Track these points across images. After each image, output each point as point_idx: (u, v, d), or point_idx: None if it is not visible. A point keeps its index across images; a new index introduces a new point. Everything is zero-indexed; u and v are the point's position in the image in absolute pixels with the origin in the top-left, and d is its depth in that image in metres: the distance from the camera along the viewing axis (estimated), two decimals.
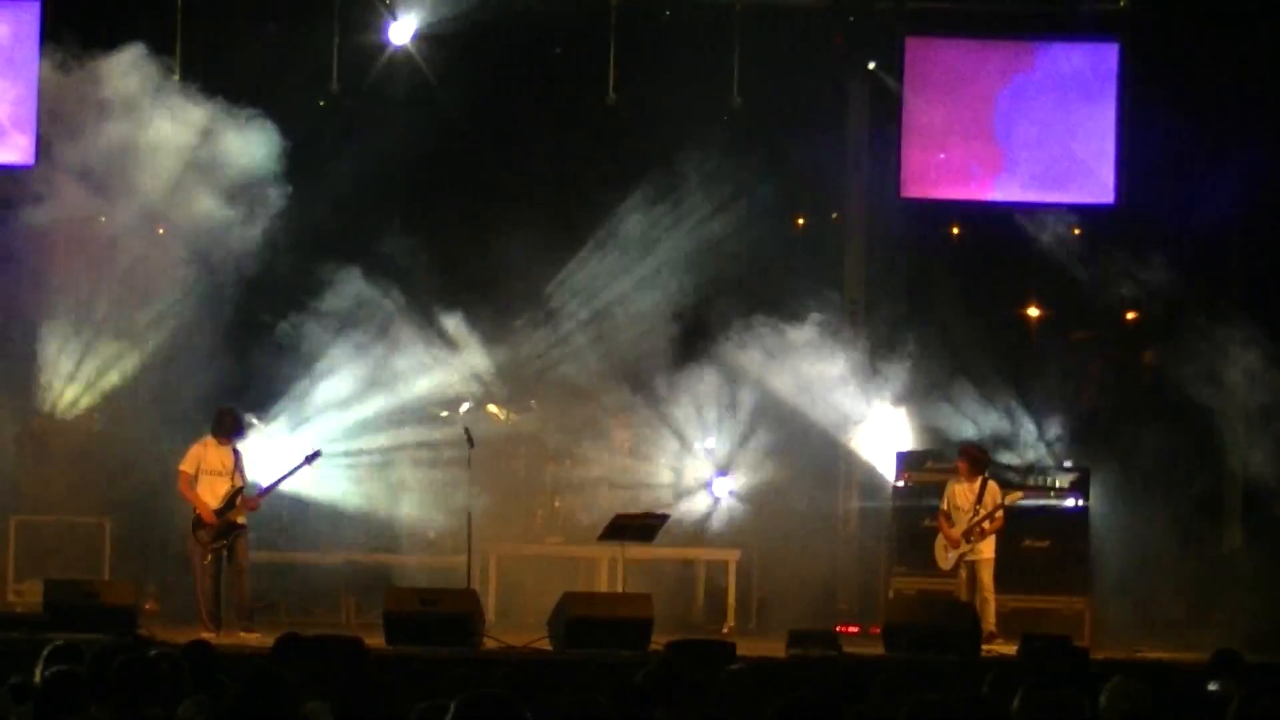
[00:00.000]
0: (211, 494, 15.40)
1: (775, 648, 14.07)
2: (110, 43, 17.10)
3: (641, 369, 17.97)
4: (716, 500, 17.86)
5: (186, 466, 15.46)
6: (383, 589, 15.93)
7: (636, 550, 15.67)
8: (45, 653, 8.05)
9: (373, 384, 17.83)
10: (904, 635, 14.38)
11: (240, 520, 15.49)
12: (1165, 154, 17.77)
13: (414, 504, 17.94)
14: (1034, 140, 18.47)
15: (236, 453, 15.65)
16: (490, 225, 18.16)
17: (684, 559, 17.48)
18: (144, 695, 7.09)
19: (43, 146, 17.56)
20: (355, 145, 17.98)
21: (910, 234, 18.59)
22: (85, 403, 17.79)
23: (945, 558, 16.18)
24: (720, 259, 18.32)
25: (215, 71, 17.52)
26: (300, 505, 17.67)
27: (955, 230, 19.05)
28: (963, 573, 16.03)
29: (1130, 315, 19.35)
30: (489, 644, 14.15)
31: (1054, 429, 18.56)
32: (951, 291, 18.34)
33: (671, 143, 18.29)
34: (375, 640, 13.53)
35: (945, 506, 16.21)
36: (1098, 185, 18.40)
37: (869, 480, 18.28)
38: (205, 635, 13.54)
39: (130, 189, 17.11)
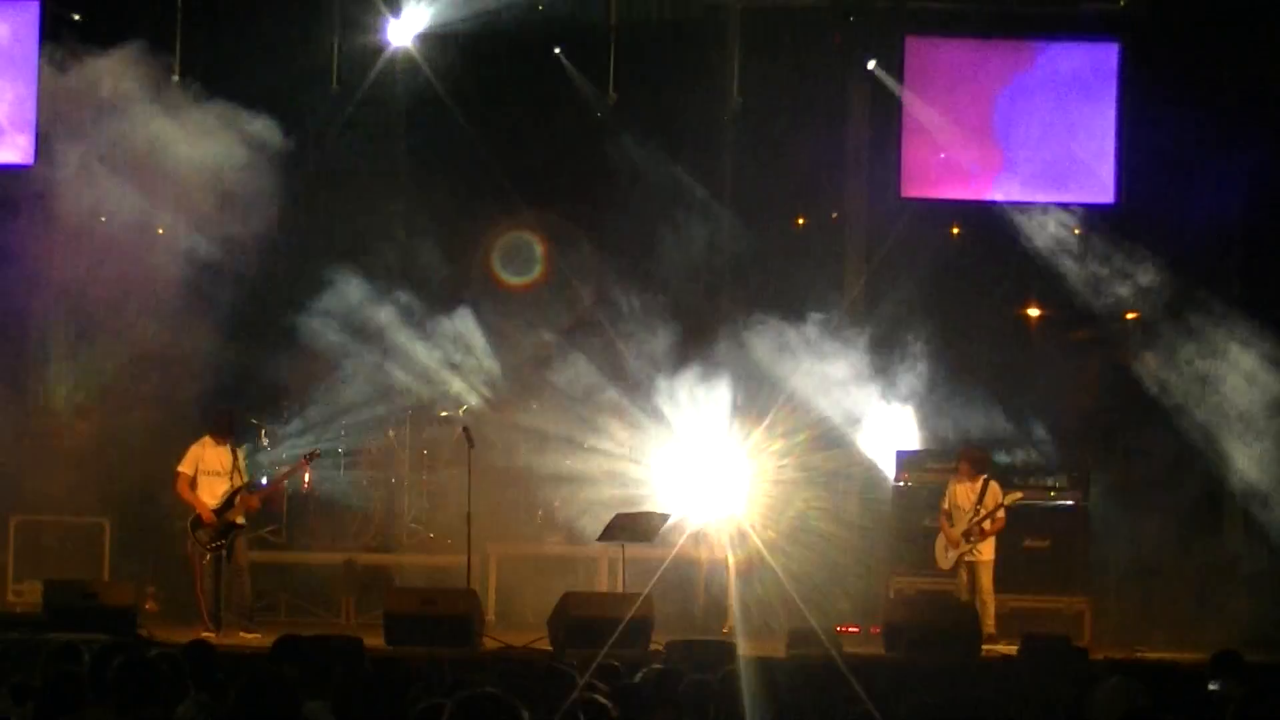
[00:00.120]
0: (211, 494, 15.40)
1: (775, 648, 14.06)
2: (110, 42, 17.10)
3: (642, 369, 17.96)
4: (717, 500, 17.84)
5: (185, 468, 15.46)
6: (383, 589, 15.94)
7: (636, 550, 15.66)
8: (45, 653, 8.06)
9: (373, 384, 17.83)
10: (904, 635, 14.38)
11: (239, 520, 15.49)
12: (1165, 154, 17.78)
13: (414, 504, 17.95)
14: (1034, 140, 18.48)
15: (235, 452, 15.65)
16: (490, 225, 18.17)
17: (684, 559, 17.46)
18: (144, 695, 7.09)
19: (42, 146, 17.57)
20: (355, 145, 17.99)
21: (910, 234, 18.58)
22: (85, 402, 17.80)
23: (945, 558, 16.19)
24: (720, 259, 18.32)
25: (215, 71, 17.52)
26: (300, 505, 17.70)
27: (955, 230, 19.05)
28: (963, 574, 16.04)
29: (1130, 315, 19.35)
30: (489, 644, 14.15)
31: (1054, 429, 18.57)
32: (951, 291, 18.33)
33: (672, 143, 18.31)
34: (375, 640, 13.52)
35: (946, 506, 16.22)
36: (1098, 185, 18.41)
37: (869, 480, 18.27)
38: (205, 635, 13.54)
39: (130, 188, 17.10)
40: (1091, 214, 18.63)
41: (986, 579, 15.91)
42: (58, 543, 17.03)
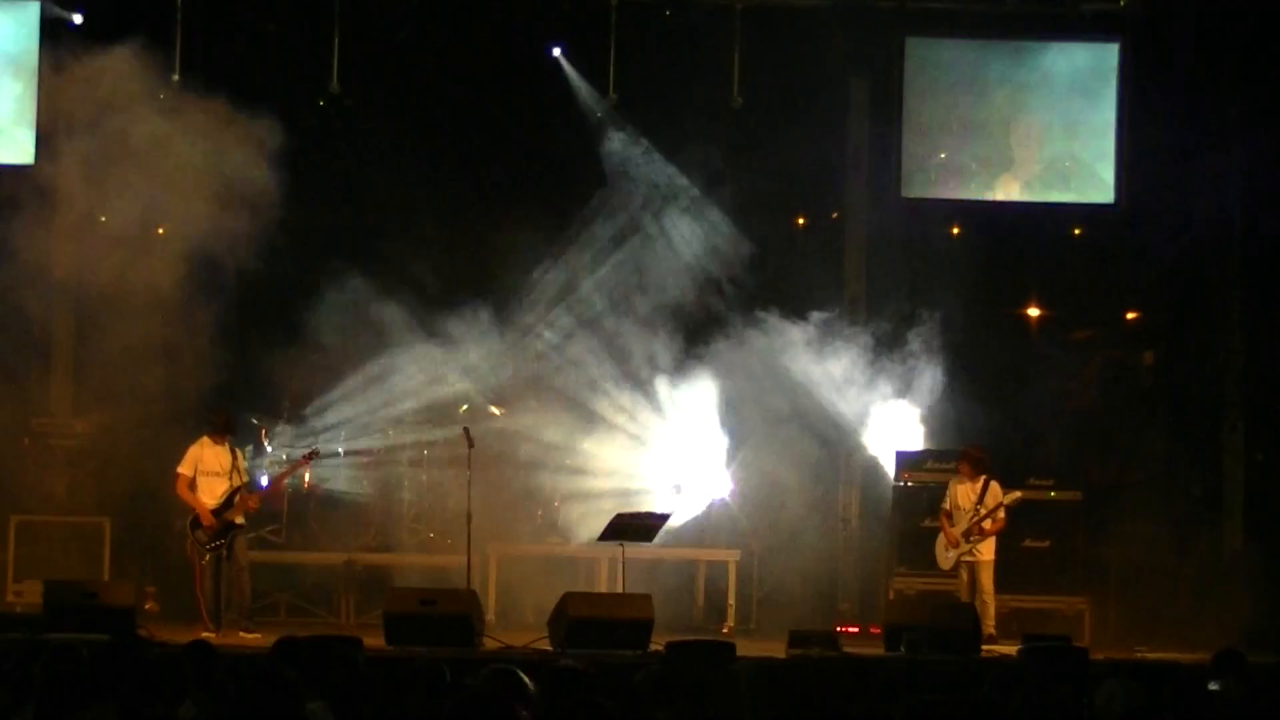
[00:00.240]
0: (210, 494, 15.39)
1: (775, 648, 14.06)
2: (110, 42, 17.09)
3: (642, 368, 17.96)
4: (717, 500, 17.85)
5: (184, 469, 15.45)
6: (383, 589, 15.93)
7: (636, 550, 15.66)
8: (45, 653, 8.05)
9: (372, 383, 17.83)
10: (904, 635, 14.37)
11: (239, 520, 15.48)
12: (1166, 154, 17.79)
13: (413, 504, 17.95)
14: (1034, 140, 18.48)
15: (234, 452, 15.64)
16: (490, 225, 18.17)
17: (684, 559, 17.47)
18: (144, 695, 7.09)
19: (43, 145, 17.57)
20: (355, 145, 17.99)
21: (910, 234, 18.58)
22: (85, 402, 17.80)
23: (945, 557, 16.19)
24: (720, 259, 18.32)
25: (215, 71, 17.51)
26: (300, 504, 17.70)
27: (955, 230, 19.05)
28: (963, 575, 16.04)
29: (1130, 315, 19.36)
30: (489, 644, 14.14)
31: (1054, 429, 18.57)
32: (951, 291, 18.33)
33: (671, 142, 18.31)
34: (375, 640, 13.52)
35: (947, 506, 16.23)
36: (1098, 185, 18.41)
37: (869, 480, 18.28)
38: (205, 635, 13.54)
39: (130, 188, 17.09)
40: (1091, 214, 18.63)
41: (987, 579, 15.91)
42: (58, 543, 17.02)
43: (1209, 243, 18.40)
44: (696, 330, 18.20)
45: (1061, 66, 18.39)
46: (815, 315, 17.96)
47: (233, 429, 15.80)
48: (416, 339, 17.75)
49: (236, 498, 15.44)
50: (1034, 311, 19.63)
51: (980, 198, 18.65)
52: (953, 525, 16.11)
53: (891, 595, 17.19)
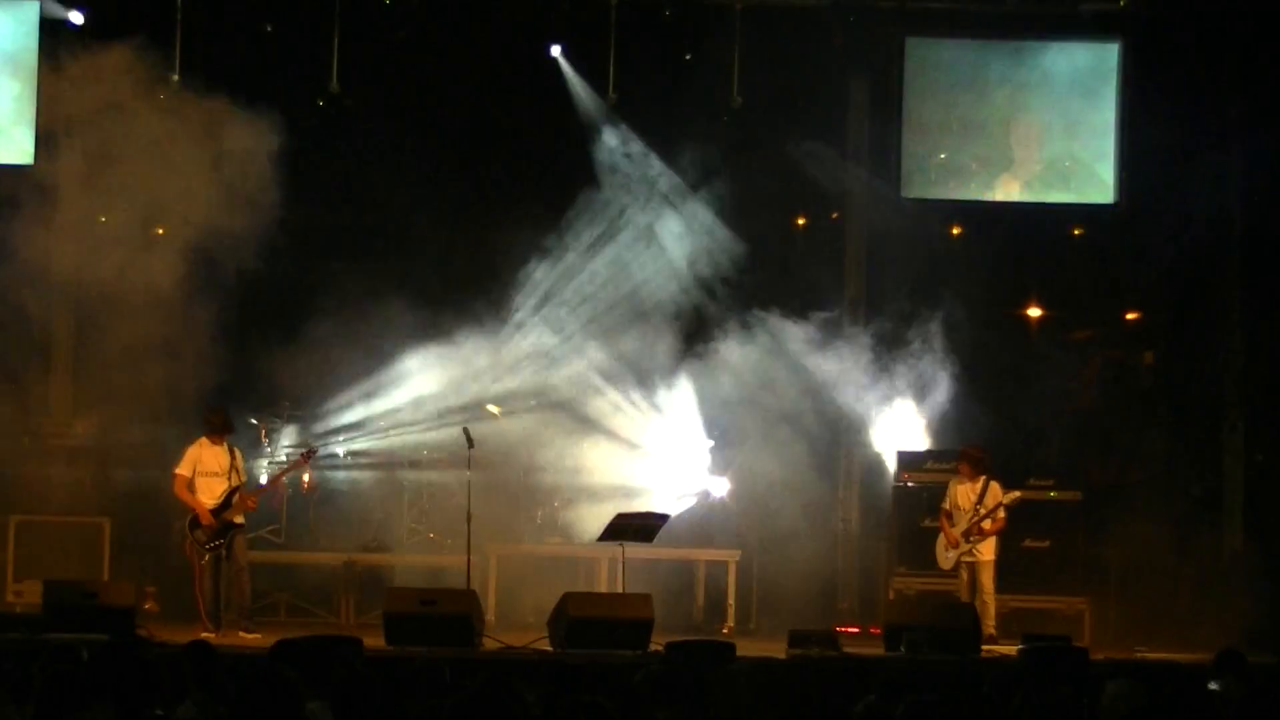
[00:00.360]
0: (209, 494, 15.38)
1: (775, 648, 14.06)
2: (110, 41, 17.09)
3: (642, 368, 17.96)
4: (716, 500, 17.85)
5: (182, 470, 15.44)
6: (383, 589, 15.93)
7: (636, 550, 15.66)
8: (45, 653, 8.05)
9: (372, 383, 17.83)
10: (904, 635, 14.37)
11: (238, 520, 15.48)
12: (1165, 153, 17.78)
13: (413, 504, 17.94)
14: (1034, 140, 18.48)
15: (233, 452, 15.63)
16: (490, 225, 18.16)
17: (684, 559, 17.46)
18: (144, 695, 7.09)
19: (42, 145, 17.57)
20: (355, 145, 17.99)
21: (910, 234, 18.58)
22: (85, 402, 17.80)
23: (945, 557, 16.20)
24: (720, 258, 18.32)
25: (215, 71, 17.51)
26: (300, 504, 17.69)
27: (955, 230, 19.05)
28: (963, 575, 16.04)
29: (1130, 315, 19.36)
30: (489, 644, 14.14)
31: (1054, 429, 18.57)
32: (952, 291, 18.34)
33: (671, 142, 18.31)
34: (375, 640, 13.51)
35: (947, 506, 16.23)
36: (1098, 185, 18.41)
37: (869, 480, 18.28)
38: (205, 635, 13.55)
39: (130, 188, 17.09)
40: (1091, 214, 18.63)
41: (987, 579, 15.91)
42: (58, 543, 17.01)
43: (1209, 242, 18.41)
44: (696, 330, 18.20)
45: (1061, 66, 18.39)
46: (816, 315, 17.96)
47: (231, 429, 15.79)
48: (416, 338, 17.74)
49: (235, 497, 15.44)
50: (1034, 311, 19.63)
51: (980, 198, 18.65)
52: (953, 525, 16.12)
53: (891, 595, 17.19)
